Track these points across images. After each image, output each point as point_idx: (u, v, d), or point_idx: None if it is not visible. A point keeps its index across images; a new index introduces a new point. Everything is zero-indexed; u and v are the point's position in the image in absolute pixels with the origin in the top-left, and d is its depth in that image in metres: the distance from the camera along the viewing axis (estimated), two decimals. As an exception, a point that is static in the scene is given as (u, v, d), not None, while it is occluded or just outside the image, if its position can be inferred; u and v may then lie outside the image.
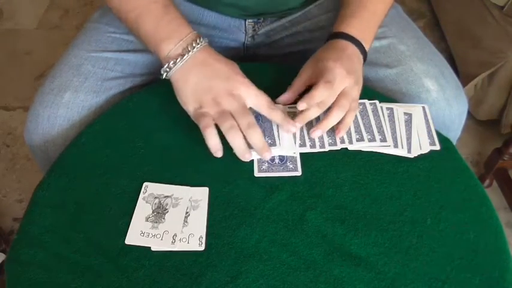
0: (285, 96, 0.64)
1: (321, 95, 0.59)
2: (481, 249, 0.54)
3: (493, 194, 1.27)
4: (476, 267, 0.52)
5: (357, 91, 0.63)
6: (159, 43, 0.62)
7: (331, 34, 0.67)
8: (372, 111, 0.65)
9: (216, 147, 0.58)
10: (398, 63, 0.72)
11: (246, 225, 0.55)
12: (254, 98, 0.60)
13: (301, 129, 0.63)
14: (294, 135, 0.62)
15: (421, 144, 0.62)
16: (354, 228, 0.55)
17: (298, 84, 0.64)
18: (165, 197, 0.57)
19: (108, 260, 0.52)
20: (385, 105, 0.66)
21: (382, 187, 0.58)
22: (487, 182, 1.29)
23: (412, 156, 0.61)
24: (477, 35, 1.37)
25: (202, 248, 0.53)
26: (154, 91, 0.68)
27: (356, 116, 0.64)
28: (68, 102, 0.68)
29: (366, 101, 0.66)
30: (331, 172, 0.60)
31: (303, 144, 0.62)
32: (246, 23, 0.80)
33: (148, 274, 0.51)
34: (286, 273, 0.51)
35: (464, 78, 1.34)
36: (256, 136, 0.58)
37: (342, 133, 0.61)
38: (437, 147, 0.62)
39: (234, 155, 0.59)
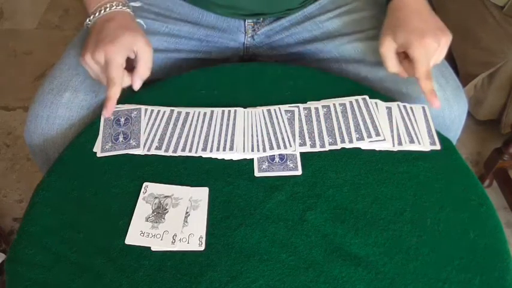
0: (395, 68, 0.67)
1: (431, 84, 0.63)
2: (481, 249, 0.54)
3: (493, 194, 1.27)
4: (476, 267, 0.52)
5: (445, 39, 0.64)
6: (87, 6, 0.68)
7: None
8: (366, 109, 0.65)
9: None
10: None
11: (246, 225, 0.55)
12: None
13: (301, 129, 0.63)
14: (252, 140, 0.62)
15: (422, 142, 0.62)
16: (354, 228, 0.55)
17: (393, 57, 0.67)
18: (165, 197, 0.57)
19: (108, 260, 0.52)
20: (384, 104, 0.66)
21: (382, 187, 0.58)
22: (487, 182, 1.29)
23: (398, 149, 0.61)
24: (477, 35, 1.37)
25: (202, 248, 0.53)
26: (153, 91, 0.68)
27: (355, 115, 0.64)
28: (68, 102, 0.68)
29: (359, 98, 0.66)
30: (331, 172, 0.60)
31: (303, 144, 0.62)
32: (246, 23, 0.80)
33: (148, 274, 0.51)
34: (286, 273, 0.51)
35: (464, 78, 1.34)
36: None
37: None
38: (438, 147, 0.62)
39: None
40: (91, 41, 0.64)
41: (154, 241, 0.53)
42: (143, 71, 0.65)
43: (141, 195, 0.57)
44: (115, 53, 0.62)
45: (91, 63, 0.63)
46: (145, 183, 0.58)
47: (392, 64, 0.66)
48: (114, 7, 0.66)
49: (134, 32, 0.65)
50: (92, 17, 0.66)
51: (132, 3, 0.71)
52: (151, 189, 0.57)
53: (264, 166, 0.60)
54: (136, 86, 0.65)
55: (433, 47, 0.63)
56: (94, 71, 0.64)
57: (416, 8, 0.67)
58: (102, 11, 0.66)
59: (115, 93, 0.62)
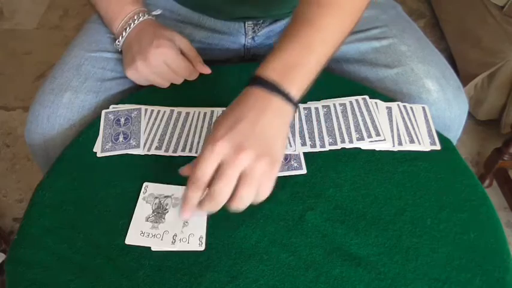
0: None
1: (194, 196, 0.49)
2: (481, 249, 0.54)
3: (493, 194, 1.27)
4: (476, 267, 0.52)
5: (261, 163, 0.48)
6: (110, 23, 0.72)
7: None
8: (366, 109, 0.65)
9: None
10: (398, 63, 0.72)
11: (246, 225, 0.55)
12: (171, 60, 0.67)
13: (301, 129, 0.63)
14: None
15: (422, 142, 0.62)
16: (354, 228, 0.55)
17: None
18: (165, 197, 0.57)
19: (108, 260, 0.52)
20: (384, 104, 0.66)
21: (382, 187, 0.58)
22: (487, 182, 1.29)
23: (398, 149, 0.61)
24: (477, 35, 1.37)
25: (202, 248, 0.53)
26: (153, 91, 0.68)
27: (356, 115, 0.64)
28: (68, 103, 0.68)
29: (359, 98, 0.66)
30: (331, 172, 0.60)
31: (303, 144, 0.62)
32: (246, 25, 0.80)
33: (148, 274, 0.51)
34: (286, 273, 0.51)
35: (464, 78, 1.34)
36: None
37: (234, 206, 0.48)
38: (438, 147, 0.62)
39: None
40: (134, 52, 0.66)
41: (154, 241, 0.53)
42: (195, 55, 0.70)
43: (141, 195, 0.57)
44: (170, 47, 0.66)
45: (145, 70, 0.66)
46: (145, 183, 0.58)
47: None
48: (141, 18, 0.69)
49: (167, 30, 0.69)
50: (124, 34, 0.69)
51: (153, 13, 0.73)
52: (151, 189, 0.57)
53: None
54: (205, 69, 0.70)
55: (225, 154, 0.47)
56: (147, 76, 0.67)
57: (253, 106, 0.50)
58: (132, 24, 0.69)
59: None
